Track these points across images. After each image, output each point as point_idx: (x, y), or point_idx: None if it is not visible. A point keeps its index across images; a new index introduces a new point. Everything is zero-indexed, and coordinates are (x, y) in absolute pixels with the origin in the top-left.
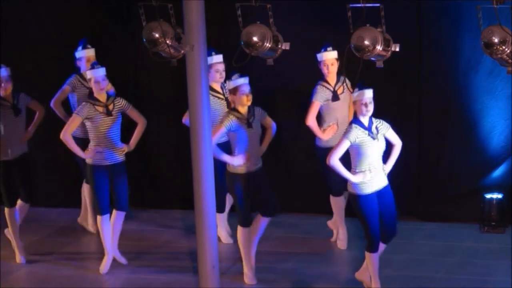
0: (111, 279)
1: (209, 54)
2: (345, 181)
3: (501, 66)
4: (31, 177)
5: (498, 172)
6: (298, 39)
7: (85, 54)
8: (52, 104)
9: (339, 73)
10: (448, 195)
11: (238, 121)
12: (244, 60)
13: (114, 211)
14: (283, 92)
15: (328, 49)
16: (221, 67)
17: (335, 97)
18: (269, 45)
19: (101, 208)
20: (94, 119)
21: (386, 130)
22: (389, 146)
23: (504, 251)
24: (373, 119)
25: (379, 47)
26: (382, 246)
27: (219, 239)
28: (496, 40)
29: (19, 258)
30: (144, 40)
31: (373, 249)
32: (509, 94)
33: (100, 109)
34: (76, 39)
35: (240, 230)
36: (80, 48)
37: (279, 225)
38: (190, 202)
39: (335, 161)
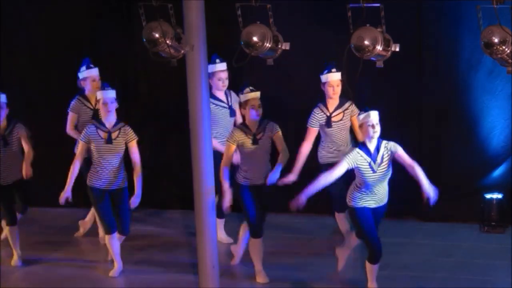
0: (111, 279)
1: (213, 61)
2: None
3: (501, 66)
4: (27, 198)
5: (498, 172)
6: (298, 39)
7: (89, 74)
8: (67, 131)
9: (343, 96)
10: (448, 195)
11: (244, 137)
12: (244, 60)
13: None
14: (283, 93)
15: (333, 70)
16: (224, 75)
17: (328, 124)
18: (269, 45)
19: (108, 228)
20: (94, 142)
21: (395, 150)
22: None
23: (504, 251)
24: (383, 142)
25: (379, 47)
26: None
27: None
28: (496, 40)
29: (16, 261)
30: (144, 40)
31: (375, 260)
32: (509, 94)
33: (103, 134)
34: (76, 39)
35: (252, 241)
36: (83, 68)
37: (279, 225)
38: (190, 202)
39: (326, 177)
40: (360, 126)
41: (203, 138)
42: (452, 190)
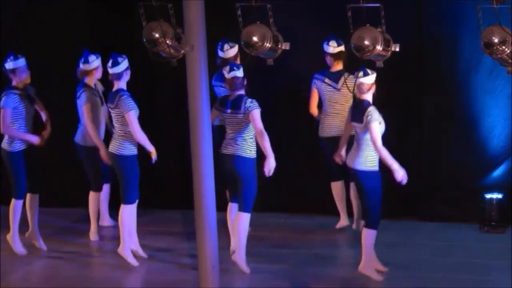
0: (111, 279)
1: (223, 48)
2: (343, 167)
3: (501, 66)
4: (38, 168)
5: (498, 172)
6: (298, 39)
7: (99, 64)
8: (89, 123)
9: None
10: (448, 195)
11: None
12: (244, 60)
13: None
14: (282, 92)
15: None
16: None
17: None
18: (269, 45)
19: (135, 196)
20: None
21: None
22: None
23: (504, 251)
24: None
25: (379, 47)
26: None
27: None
28: (496, 40)
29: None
30: (144, 40)
31: (375, 224)
32: (509, 94)
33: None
34: (76, 39)
35: (247, 217)
36: (93, 57)
37: (279, 225)
38: (190, 202)
39: (384, 148)
40: (372, 85)
41: (203, 137)
42: (452, 190)
